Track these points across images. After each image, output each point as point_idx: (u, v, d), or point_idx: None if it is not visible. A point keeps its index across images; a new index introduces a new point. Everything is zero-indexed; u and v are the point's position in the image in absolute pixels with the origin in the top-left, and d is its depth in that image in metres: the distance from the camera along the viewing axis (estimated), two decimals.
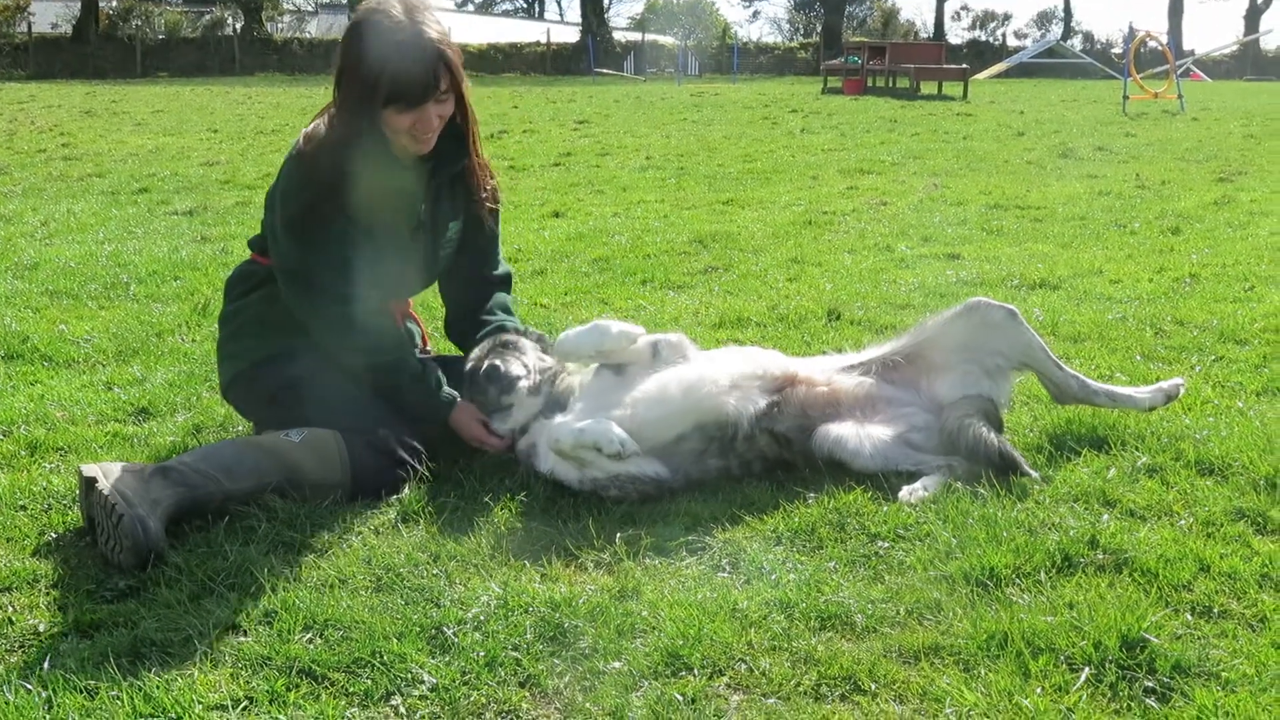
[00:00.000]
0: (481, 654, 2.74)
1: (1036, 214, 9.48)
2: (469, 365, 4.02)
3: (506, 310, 4.37)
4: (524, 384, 3.88)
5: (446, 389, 4.02)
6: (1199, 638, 2.72)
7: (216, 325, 4.25)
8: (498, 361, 3.88)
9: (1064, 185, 11.21)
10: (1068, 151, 14.20)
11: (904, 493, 3.52)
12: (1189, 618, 2.81)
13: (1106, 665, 2.60)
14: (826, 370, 3.90)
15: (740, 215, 9.77)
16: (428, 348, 4.48)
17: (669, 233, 8.82)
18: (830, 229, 8.97)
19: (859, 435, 3.71)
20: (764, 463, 3.79)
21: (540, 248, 8.25)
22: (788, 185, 11.73)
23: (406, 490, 3.69)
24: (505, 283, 4.44)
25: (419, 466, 3.78)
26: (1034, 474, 3.64)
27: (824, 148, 15.46)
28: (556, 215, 9.92)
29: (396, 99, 3.73)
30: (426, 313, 6.01)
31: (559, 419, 3.74)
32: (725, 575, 3.15)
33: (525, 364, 3.95)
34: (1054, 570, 3.04)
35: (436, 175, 4.04)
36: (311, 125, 3.92)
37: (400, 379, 3.94)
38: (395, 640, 2.79)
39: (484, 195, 4.19)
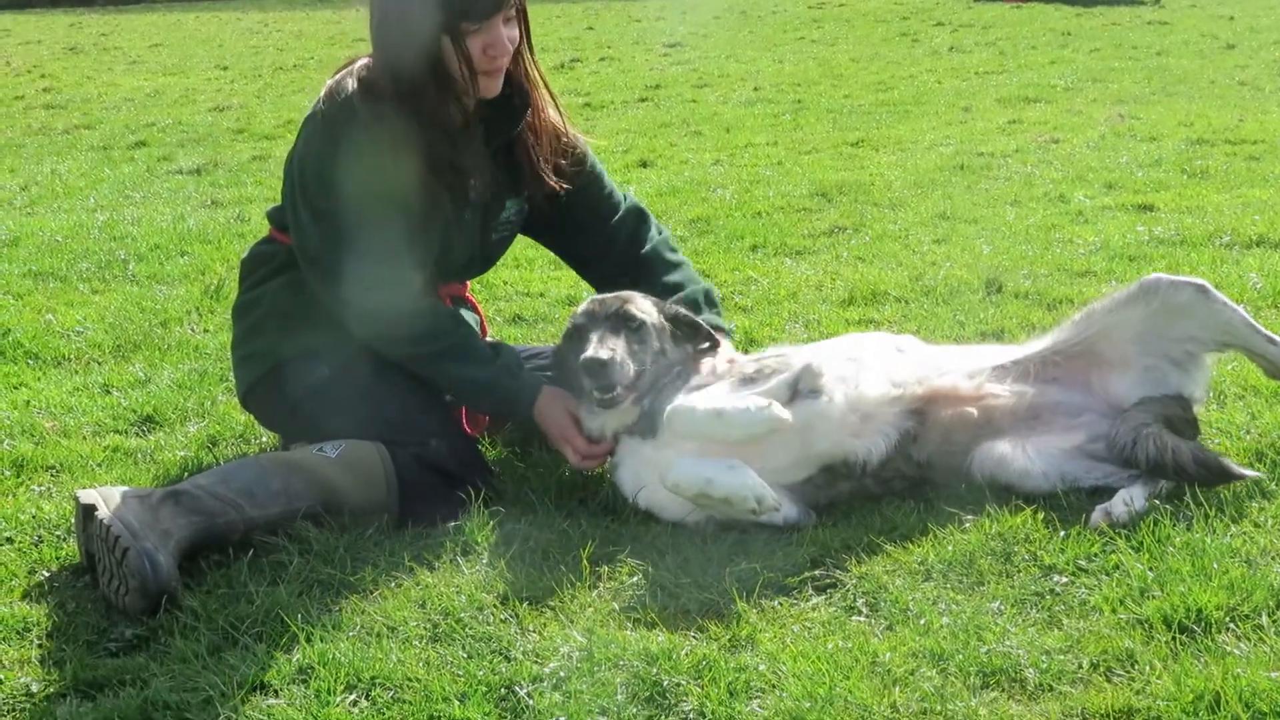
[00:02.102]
0: (562, 719, 2.77)
1: (1253, 150, 9.29)
2: (572, 322, 3.99)
3: (676, 267, 4.38)
4: (628, 396, 3.82)
5: (529, 373, 4.06)
6: None
7: (230, 316, 4.34)
8: (603, 354, 3.76)
9: None
10: None
11: (1097, 514, 3.48)
12: None
13: None
14: (975, 376, 3.86)
15: (874, 160, 9.71)
16: (486, 337, 4.54)
17: (784, 184, 8.81)
18: (988, 175, 8.88)
19: (1025, 453, 3.69)
20: (905, 481, 3.81)
21: None
22: (933, 120, 11.63)
23: (467, 515, 3.74)
24: (639, 220, 4.42)
25: (482, 485, 3.83)
26: (1250, 474, 3.59)
27: (978, 70, 15.28)
28: (644, 165, 9.95)
29: (467, 12, 3.78)
30: (485, 292, 6.07)
31: (668, 451, 3.70)
32: (862, 619, 3.16)
33: (643, 360, 3.86)
34: None
35: (491, 141, 4.08)
36: (335, 79, 3.97)
37: (464, 367, 3.97)
38: (457, 702, 2.85)
39: (555, 158, 4.20)
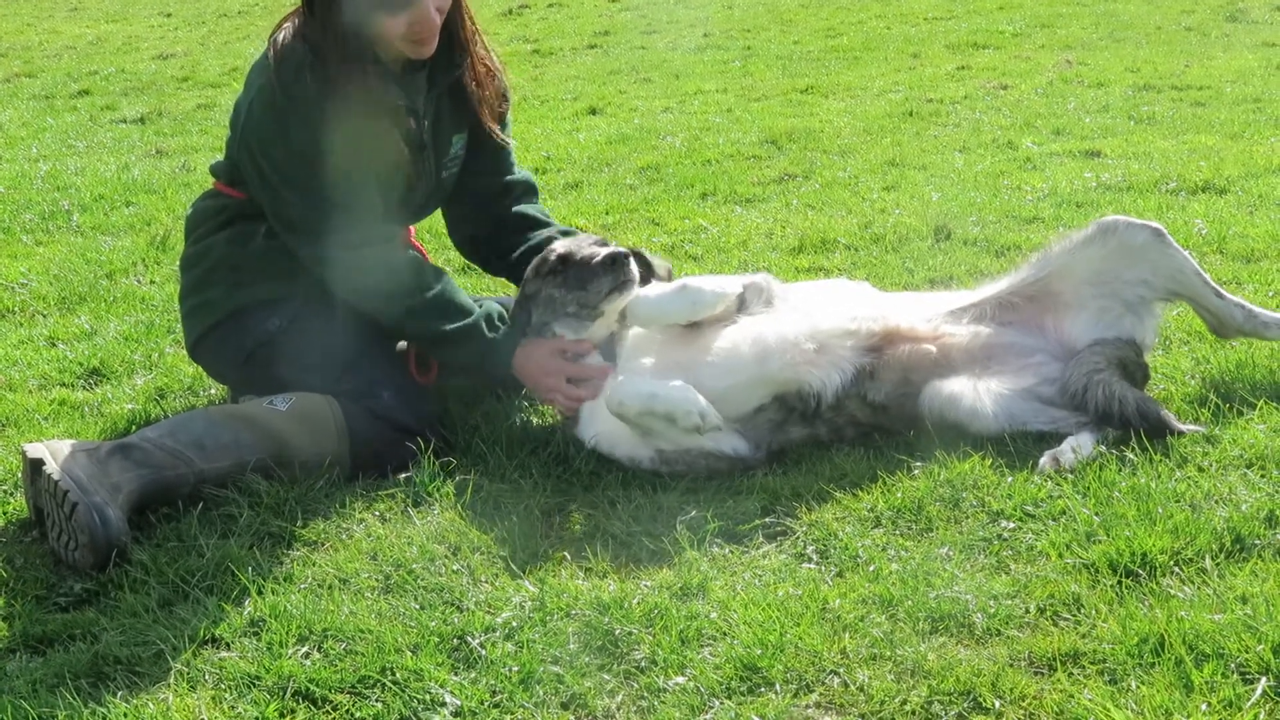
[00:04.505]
0: (515, 669, 2.79)
1: (1198, 96, 9.33)
2: (554, 255, 3.97)
3: (548, 220, 4.41)
4: (642, 293, 3.88)
5: (508, 328, 4.05)
6: None
7: (178, 269, 4.31)
8: (624, 250, 3.89)
9: (1233, 58, 11.02)
10: (1237, 13, 13.92)
11: (1045, 459, 3.51)
12: None
13: None
14: (932, 318, 3.90)
15: (823, 107, 9.70)
16: None
17: (734, 131, 8.79)
18: (936, 122, 8.89)
19: (976, 391, 3.71)
20: (857, 428, 3.82)
21: (574, 154, 8.25)
22: (882, 66, 11.62)
23: (418, 467, 3.73)
24: (530, 191, 4.46)
25: (433, 437, 3.83)
26: (1189, 428, 3.63)
27: (927, 16, 15.27)
28: (593, 112, 9.90)
29: (384, 2, 3.75)
30: (435, 242, 6.05)
31: (615, 375, 3.76)
32: (812, 566, 3.18)
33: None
34: (1222, 555, 3.03)
35: (435, 83, 4.05)
36: (280, 34, 3.92)
37: (445, 322, 3.95)
38: (409, 653, 2.85)
39: (490, 97, 4.20)
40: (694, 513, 3.43)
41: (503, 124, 4.33)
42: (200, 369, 4.42)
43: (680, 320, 3.82)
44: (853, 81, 10.76)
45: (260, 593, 3.11)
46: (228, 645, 2.94)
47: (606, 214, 6.70)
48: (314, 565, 3.25)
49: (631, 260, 3.90)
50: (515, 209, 4.38)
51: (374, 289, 3.92)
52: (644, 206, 6.83)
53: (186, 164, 8.33)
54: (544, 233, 4.31)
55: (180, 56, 13.92)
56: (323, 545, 3.37)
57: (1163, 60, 10.95)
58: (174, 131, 9.74)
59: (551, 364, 3.91)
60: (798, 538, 3.30)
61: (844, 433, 3.81)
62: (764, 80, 11.12)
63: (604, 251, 3.88)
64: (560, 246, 4.00)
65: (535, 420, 4.13)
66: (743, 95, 10.37)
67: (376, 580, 3.18)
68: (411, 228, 4.41)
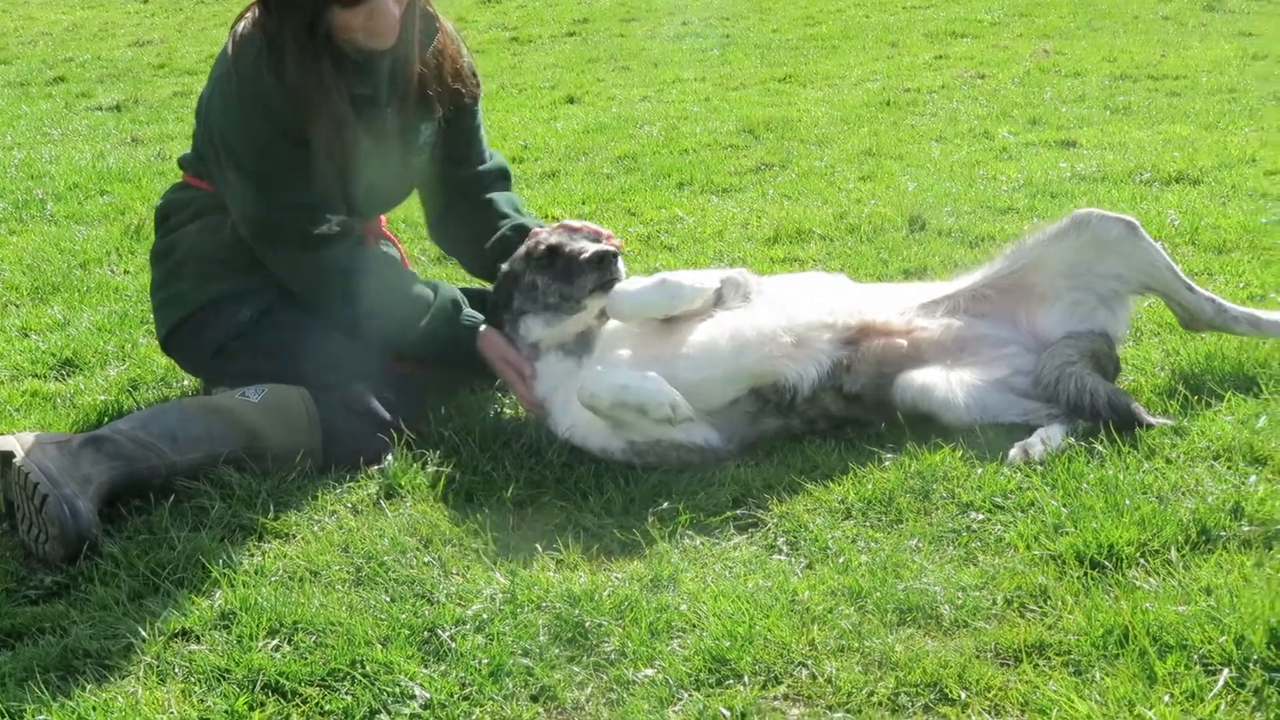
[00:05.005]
0: (485, 661, 2.80)
1: (1173, 86, 9.36)
2: (541, 243, 3.97)
3: (519, 210, 4.41)
4: (622, 287, 3.87)
5: (468, 311, 4.06)
6: None
7: (149, 262, 4.30)
8: (612, 247, 3.88)
9: (1208, 47, 11.05)
10: (1214, 2, 13.97)
11: (1015, 451, 3.54)
12: None
13: (1250, 666, 2.62)
14: (905, 311, 3.92)
15: (800, 96, 9.71)
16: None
17: (712, 121, 8.79)
18: (913, 111, 8.90)
19: (949, 382, 3.74)
20: (830, 420, 3.84)
21: (551, 143, 8.24)
22: (860, 55, 11.63)
23: (390, 459, 3.73)
24: (503, 177, 4.45)
25: (405, 429, 3.83)
26: (1158, 421, 3.65)
27: (905, 4, 15.27)
28: (571, 101, 9.89)
29: None
30: (410, 231, 6.05)
31: (591, 367, 3.77)
32: (782, 558, 3.19)
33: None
34: (1188, 547, 3.05)
35: (398, 71, 4.03)
36: (241, 24, 3.91)
37: (404, 317, 3.98)
38: (380, 646, 2.86)
39: (456, 80, 4.19)
40: (665, 504, 3.45)
41: (472, 112, 4.32)
42: (173, 361, 4.42)
43: (658, 314, 3.83)
44: (831, 70, 10.77)
45: (231, 585, 3.12)
46: (198, 638, 2.95)
47: (583, 203, 6.70)
48: (285, 557, 3.26)
49: (620, 260, 3.89)
50: (486, 196, 4.37)
51: (332, 291, 3.94)
52: (620, 196, 6.83)
53: (162, 152, 8.31)
54: (507, 223, 4.29)
55: (157, 43, 13.86)
56: (294, 537, 3.37)
57: (1140, 49, 10.98)
58: (150, 119, 9.71)
59: (506, 357, 3.96)
60: (768, 529, 3.32)
61: (816, 425, 3.83)
62: (742, 69, 11.11)
63: (593, 249, 3.87)
64: (552, 238, 3.99)
65: (508, 412, 4.14)
66: (721, 84, 10.36)
67: (347, 572, 3.19)
68: (383, 217, 4.41)
